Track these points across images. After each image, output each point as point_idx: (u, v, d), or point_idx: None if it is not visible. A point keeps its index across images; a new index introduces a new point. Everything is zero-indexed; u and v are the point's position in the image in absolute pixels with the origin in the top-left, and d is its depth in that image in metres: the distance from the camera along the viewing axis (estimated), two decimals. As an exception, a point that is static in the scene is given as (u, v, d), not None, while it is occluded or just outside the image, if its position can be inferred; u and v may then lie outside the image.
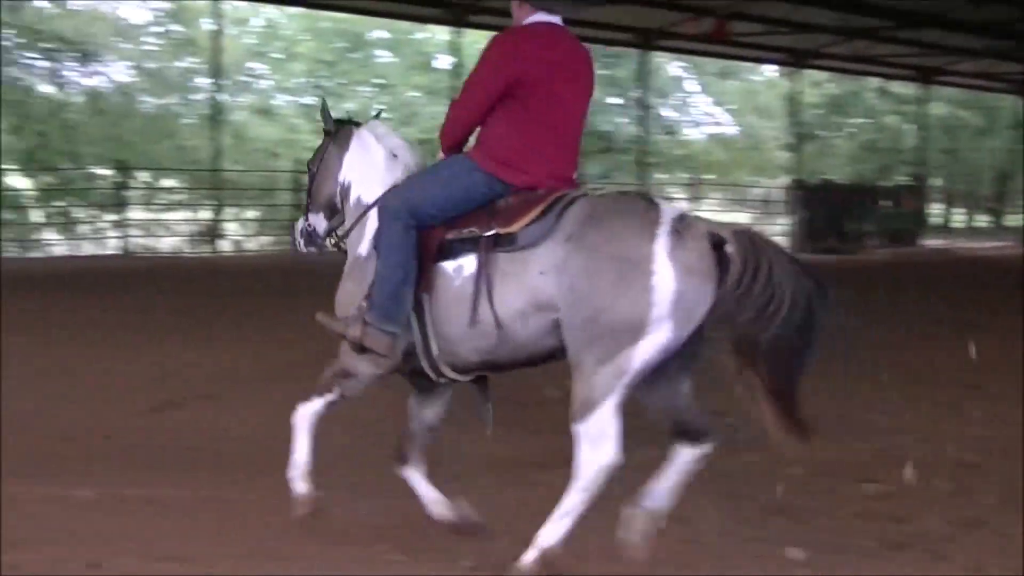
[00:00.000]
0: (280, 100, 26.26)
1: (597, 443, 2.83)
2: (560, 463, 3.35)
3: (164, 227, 20.50)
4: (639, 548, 2.99)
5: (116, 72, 23.38)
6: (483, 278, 3.00)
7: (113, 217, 18.35)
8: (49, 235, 19.21)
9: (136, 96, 23.36)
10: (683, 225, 2.86)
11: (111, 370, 6.24)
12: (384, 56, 27.13)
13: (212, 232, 18.47)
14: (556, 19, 3.20)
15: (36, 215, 19.77)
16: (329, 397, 3.38)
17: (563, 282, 2.87)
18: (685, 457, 2.96)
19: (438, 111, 24.11)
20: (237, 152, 22.74)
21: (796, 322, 2.80)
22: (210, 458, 4.40)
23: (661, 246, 2.81)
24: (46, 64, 21.94)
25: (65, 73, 22.41)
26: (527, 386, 4.64)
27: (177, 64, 23.84)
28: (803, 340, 2.83)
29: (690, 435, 2.96)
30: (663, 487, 2.98)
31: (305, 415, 3.37)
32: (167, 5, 23.40)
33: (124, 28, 23.21)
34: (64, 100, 22.27)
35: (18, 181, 20.36)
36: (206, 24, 21.25)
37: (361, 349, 3.19)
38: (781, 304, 2.78)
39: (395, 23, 23.66)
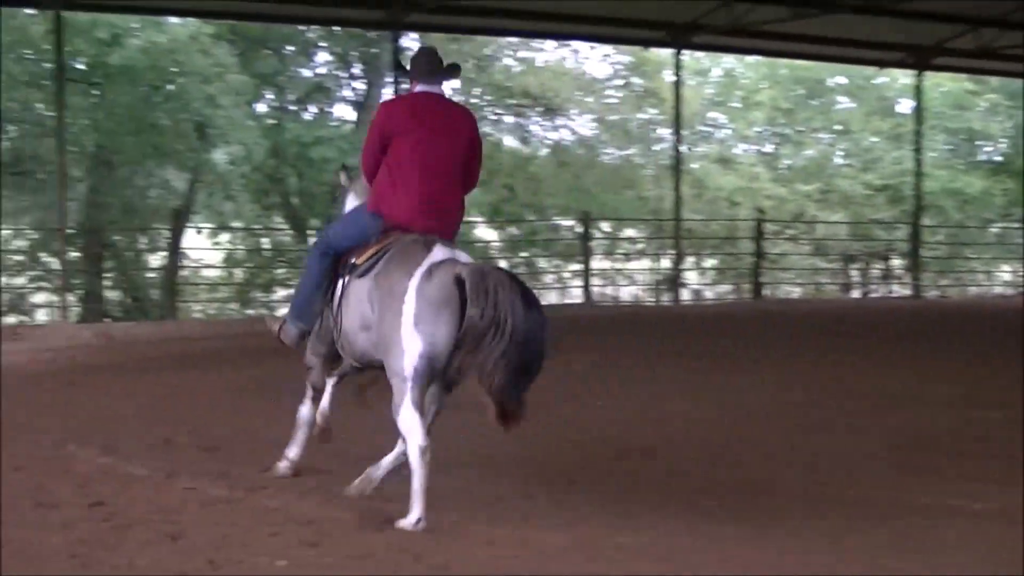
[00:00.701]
0: (739, 149, 33.10)
1: (410, 435, 5.32)
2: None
3: (625, 276, 25.64)
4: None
5: (579, 125, 31.27)
6: (340, 296, 5.78)
7: (576, 267, 24.44)
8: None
9: (598, 148, 30.23)
10: (437, 266, 5.30)
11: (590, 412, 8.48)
12: (844, 102, 33.23)
13: (673, 281, 23.22)
14: (435, 88, 5.96)
15: (502, 266, 26.07)
16: (308, 394, 6.31)
17: (368, 309, 5.53)
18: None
19: (900, 156, 28.22)
20: (697, 201, 28.23)
21: (518, 342, 5.07)
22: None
23: (413, 283, 5.31)
24: (513, 119, 29.13)
25: (531, 128, 29.70)
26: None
27: (638, 116, 29.99)
28: (522, 357, 5.09)
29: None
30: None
31: (300, 414, 6.35)
32: (629, 59, 30.15)
33: (587, 82, 30.29)
34: (529, 154, 30.29)
35: (486, 233, 27.10)
36: (667, 76, 27.99)
37: (280, 342, 6.27)
38: (504, 327, 5.04)
39: (855, 68, 29.67)
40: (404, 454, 5.47)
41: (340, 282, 5.84)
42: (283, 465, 6.32)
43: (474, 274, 5.20)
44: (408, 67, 6.06)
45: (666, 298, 23.53)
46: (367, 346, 5.62)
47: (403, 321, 5.28)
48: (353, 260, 5.75)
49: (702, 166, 31.19)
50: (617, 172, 30.24)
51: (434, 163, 5.73)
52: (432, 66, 6.00)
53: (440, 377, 5.42)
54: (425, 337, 5.24)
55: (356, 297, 5.64)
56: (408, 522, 5.26)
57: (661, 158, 30.12)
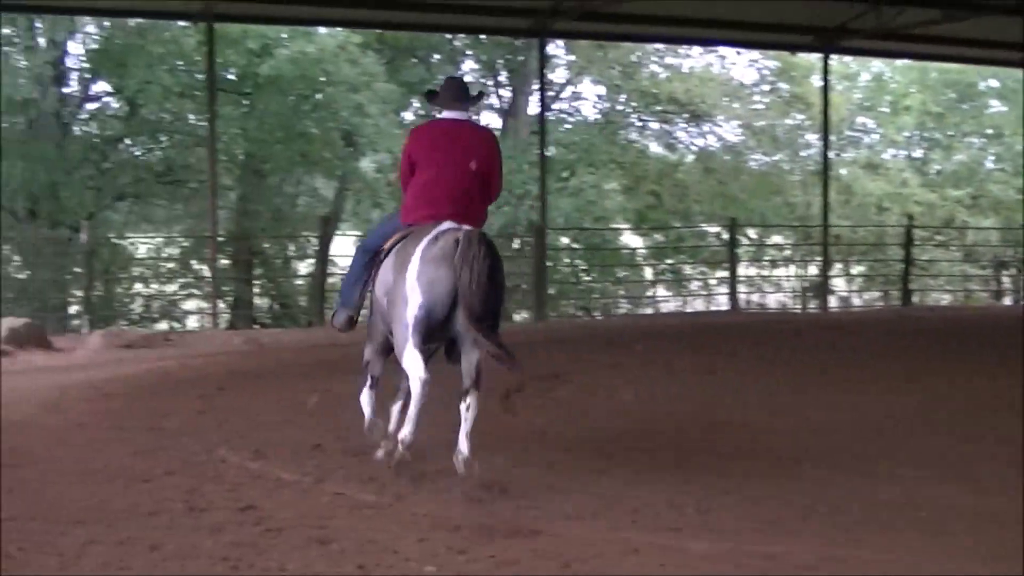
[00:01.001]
0: (888, 154, 32.46)
1: (412, 370, 6.20)
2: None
3: (772, 283, 25.31)
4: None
5: (726, 131, 31.02)
6: (375, 278, 6.86)
7: (722, 274, 24.25)
8: (660, 291, 25.14)
9: (745, 154, 29.84)
10: (442, 233, 6.33)
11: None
12: (996, 105, 32.38)
13: (820, 288, 22.82)
14: (459, 114, 6.95)
15: (647, 272, 25.97)
16: (367, 382, 7.00)
17: (390, 277, 6.55)
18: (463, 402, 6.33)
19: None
20: (844, 207, 27.64)
21: (474, 296, 6.08)
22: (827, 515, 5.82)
23: (420, 247, 6.31)
24: (659, 126, 29.02)
25: (677, 134, 29.54)
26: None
27: (785, 122, 29.53)
28: (472, 310, 6.09)
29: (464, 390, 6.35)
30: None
31: (362, 399, 7.03)
32: (776, 64, 29.68)
33: (733, 88, 29.92)
34: (676, 160, 30.12)
35: (631, 239, 26.99)
36: (814, 81, 27.62)
37: (335, 328, 7.29)
38: (472, 282, 6.08)
39: (1007, 71, 28.67)
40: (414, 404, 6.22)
41: (376, 270, 6.84)
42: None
43: (466, 237, 6.17)
44: (437, 94, 7.05)
45: (813, 305, 23.22)
46: (388, 309, 6.50)
47: (407, 276, 6.25)
48: (384, 247, 6.79)
49: (850, 172, 30.70)
50: (764, 178, 29.95)
51: (451, 182, 6.71)
52: (457, 94, 6.97)
53: (449, 329, 6.29)
54: (424, 289, 6.18)
55: (383, 271, 6.65)
56: (404, 434, 6.26)
57: (808, 164, 29.77)
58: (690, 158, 30.39)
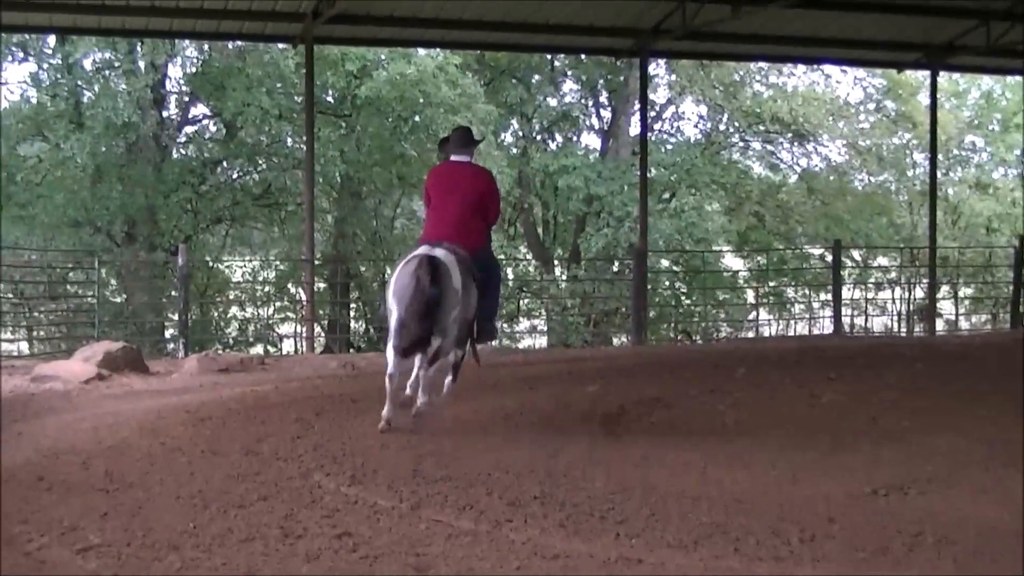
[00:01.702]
0: (998, 173, 31.97)
1: (388, 360, 8.44)
2: None
3: (876, 306, 24.90)
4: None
5: (830, 151, 30.50)
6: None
7: (825, 296, 24.09)
8: (762, 315, 24.84)
9: (850, 174, 29.33)
10: (415, 256, 8.40)
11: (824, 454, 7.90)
12: None
13: (927, 310, 22.38)
14: (462, 157, 9.12)
15: (749, 295, 25.69)
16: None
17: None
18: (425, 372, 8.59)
19: None
20: (952, 228, 27.04)
21: (413, 301, 8.14)
22: (934, 546, 5.58)
23: (399, 267, 8.53)
24: (761, 146, 28.73)
25: (780, 154, 29.28)
26: None
27: (892, 141, 29.05)
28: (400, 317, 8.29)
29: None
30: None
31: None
32: (882, 82, 29.12)
33: (839, 107, 29.51)
34: (779, 181, 29.99)
35: (733, 262, 26.79)
36: (922, 99, 27.35)
37: None
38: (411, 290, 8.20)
39: None
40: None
41: None
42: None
43: (418, 260, 8.29)
44: (447, 142, 9.37)
45: (919, 328, 22.74)
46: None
47: (388, 293, 8.47)
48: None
49: (958, 191, 30.16)
50: (869, 198, 29.57)
51: (451, 212, 8.90)
52: (460, 141, 9.20)
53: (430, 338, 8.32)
54: (396, 305, 8.26)
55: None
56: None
57: (915, 184, 29.34)
58: (793, 178, 30.17)
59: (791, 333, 23.49)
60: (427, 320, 8.23)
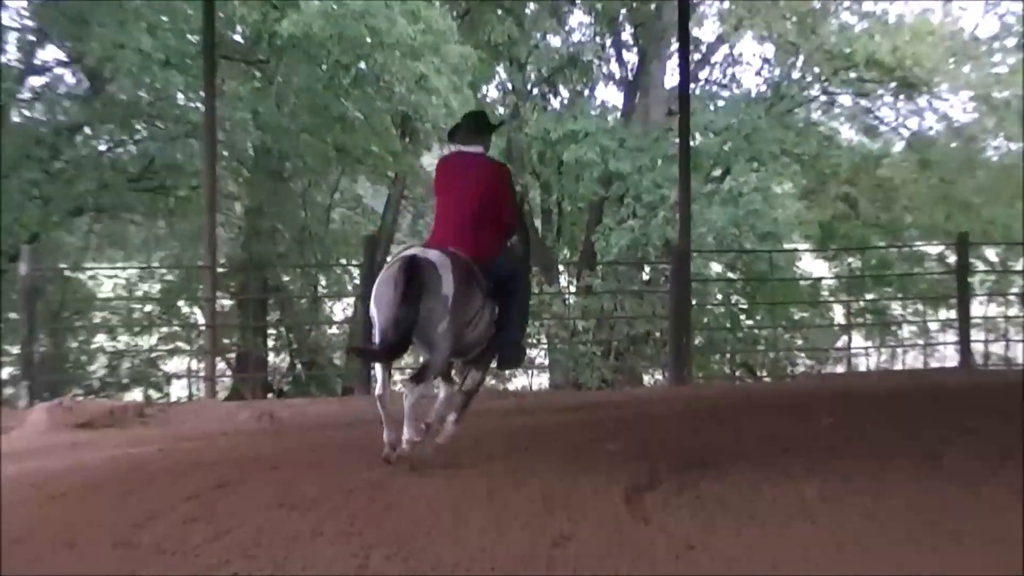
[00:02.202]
0: None
1: (376, 378, 9.86)
2: None
3: (1021, 327, 24.87)
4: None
5: (951, 107, 30.81)
6: None
7: (947, 314, 24.22)
8: (855, 340, 24.87)
9: (980, 140, 29.48)
10: (397, 259, 9.74)
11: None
12: None
13: None
14: (470, 147, 10.48)
15: (837, 313, 25.79)
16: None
17: None
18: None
19: None
20: None
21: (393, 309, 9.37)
22: None
23: (382, 272, 9.75)
24: (853, 101, 28.85)
25: (879, 112, 29.61)
26: None
27: (1039, 93, 29.27)
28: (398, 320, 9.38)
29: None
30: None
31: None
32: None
33: (963, 45, 29.32)
34: (878, 151, 30.33)
35: (814, 266, 26.90)
36: None
37: None
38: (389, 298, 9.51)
39: None
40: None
41: None
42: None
43: (398, 262, 9.52)
44: (455, 130, 10.65)
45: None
46: None
47: (372, 295, 9.64)
48: None
49: None
50: (1009, 174, 29.17)
51: (456, 212, 10.20)
52: (472, 129, 10.50)
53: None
54: (378, 306, 9.49)
55: None
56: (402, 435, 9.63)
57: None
58: (899, 147, 30.28)
59: (899, 366, 23.39)
60: (402, 328, 9.32)
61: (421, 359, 9.98)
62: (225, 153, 23.03)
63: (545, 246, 28.38)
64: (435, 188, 10.65)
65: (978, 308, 23.95)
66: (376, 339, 9.55)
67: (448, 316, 9.54)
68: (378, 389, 9.69)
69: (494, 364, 10.79)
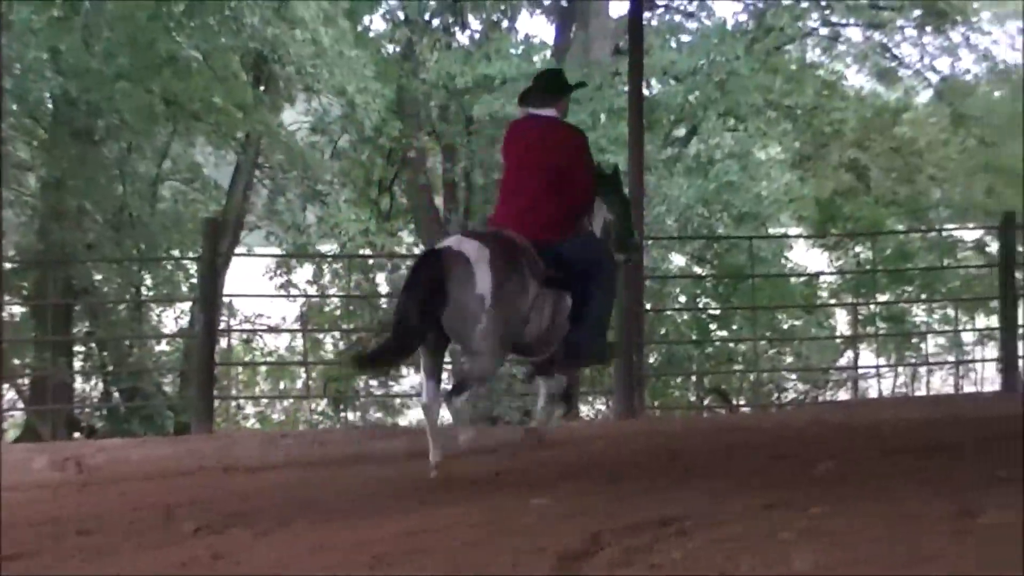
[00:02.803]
0: None
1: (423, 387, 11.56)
2: None
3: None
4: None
5: (996, 45, 31.05)
6: None
7: (988, 321, 24.96)
8: (864, 356, 25.39)
9: (1031, 87, 29.65)
10: (429, 250, 12.19)
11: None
12: None
13: None
14: (544, 110, 11.67)
15: (840, 320, 26.21)
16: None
17: None
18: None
19: None
20: None
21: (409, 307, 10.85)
22: None
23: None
24: (862, 34, 29.63)
25: (897, 49, 30.00)
26: None
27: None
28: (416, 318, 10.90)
29: None
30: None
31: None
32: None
33: (1009, -40, 29.60)
34: (896, 102, 31.02)
35: (809, 257, 27.36)
36: None
37: None
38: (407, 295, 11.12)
39: None
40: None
41: None
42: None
43: (426, 256, 11.26)
44: (527, 93, 11.66)
45: None
46: None
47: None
48: None
49: None
50: (1073, 133, 29.71)
51: (519, 189, 11.27)
52: (544, 88, 11.60)
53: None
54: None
55: None
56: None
57: None
58: (925, 97, 30.81)
59: (922, 392, 23.61)
60: (406, 332, 10.66)
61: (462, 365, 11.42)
62: (14, 107, 22.95)
63: (447, 231, 28.42)
64: (503, 157, 11.82)
65: (1029, 313, 24.23)
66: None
67: (488, 316, 10.54)
68: (424, 398, 10.96)
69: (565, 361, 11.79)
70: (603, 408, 20.26)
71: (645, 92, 20.98)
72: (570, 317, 11.34)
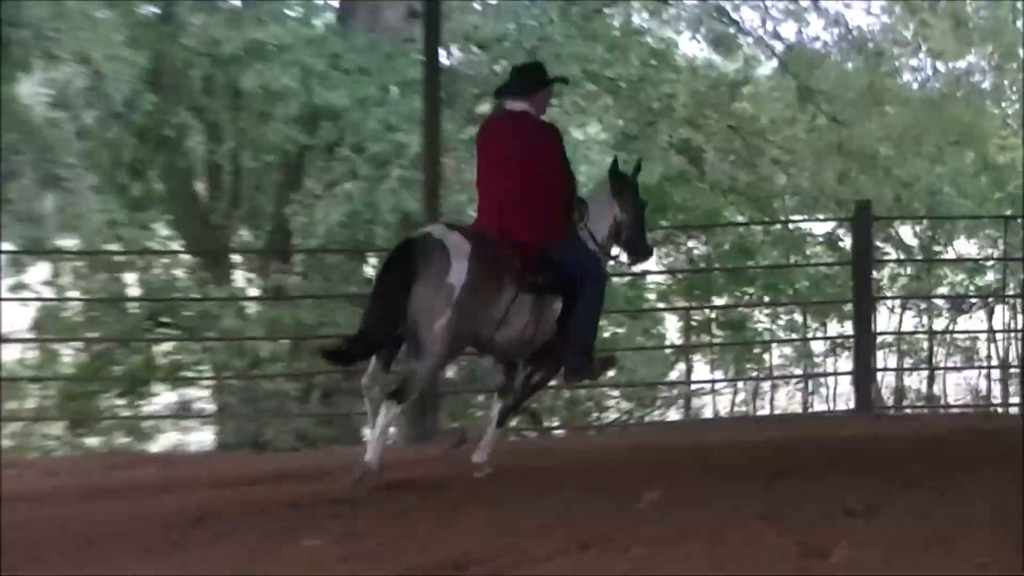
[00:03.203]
0: None
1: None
2: None
3: (962, 349, 25.87)
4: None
5: (849, 8, 31.18)
6: None
7: (841, 327, 25.92)
8: (698, 371, 25.66)
9: (890, 55, 30.34)
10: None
11: None
12: None
13: None
14: (516, 105, 13.01)
15: (670, 330, 26.56)
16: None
17: None
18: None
19: None
20: None
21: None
22: None
23: None
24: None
25: (737, 15, 30.01)
26: None
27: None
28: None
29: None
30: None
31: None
32: None
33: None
34: (735, 73, 31.31)
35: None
36: None
37: None
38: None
39: None
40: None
41: None
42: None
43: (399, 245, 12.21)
44: (504, 88, 12.92)
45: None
46: None
47: None
48: None
49: None
50: (939, 111, 30.26)
51: (492, 194, 12.45)
52: (520, 81, 12.75)
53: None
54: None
55: None
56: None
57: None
58: (768, 68, 31.27)
59: (765, 410, 23.91)
60: (377, 323, 11.72)
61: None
62: None
63: (208, 227, 28.34)
64: (477, 156, 13.01)
65: (886, 319, 24.59)
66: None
67: (450, 311, 11.52)
68: (365, 377, 11.85)
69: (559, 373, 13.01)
70: (392, 431, 20.23)
71: (443, 61, 21.06)
72: (559, 324, 12.28)
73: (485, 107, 27.92)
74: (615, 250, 13.76)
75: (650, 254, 14.50)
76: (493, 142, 12.53)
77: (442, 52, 20.85)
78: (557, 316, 12.27)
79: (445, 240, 11.46)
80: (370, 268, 26.79)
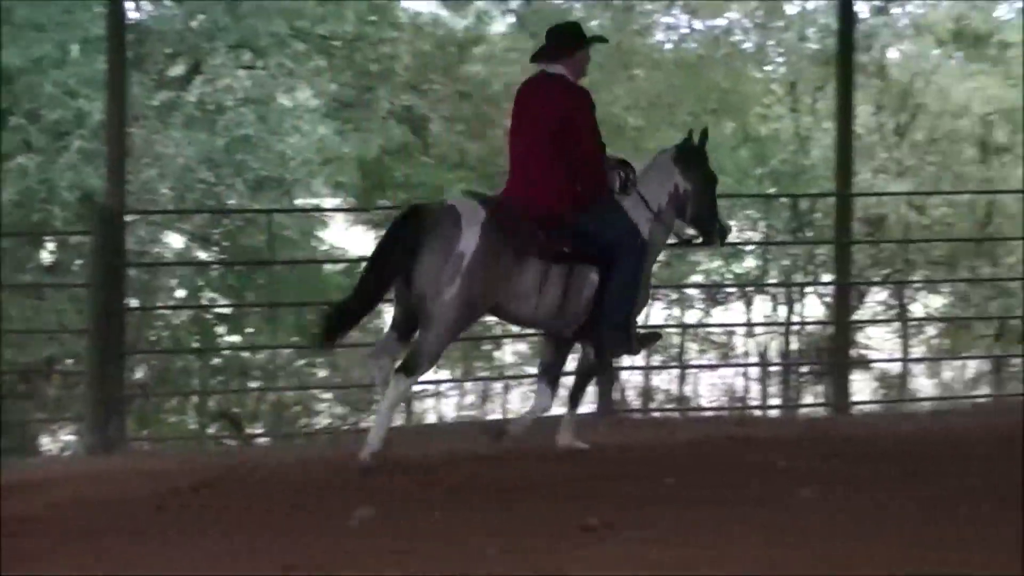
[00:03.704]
0: None
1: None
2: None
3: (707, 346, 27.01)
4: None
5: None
6: None
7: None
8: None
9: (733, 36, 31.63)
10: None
11: None
12: None
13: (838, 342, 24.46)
14: (553, 68, 14.13)
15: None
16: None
17: None
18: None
19: None
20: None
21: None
22: None
23: None
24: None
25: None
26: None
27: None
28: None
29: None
30: None
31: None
32: None
33: None
34: (465, 29, 32.10)
35: (353, 236, 28.55)
36: None
37: None
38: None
39: None
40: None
41: None
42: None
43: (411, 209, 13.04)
44: (536, 53, 13.85)
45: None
46: None
47: None
48: None
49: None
50: (692, 73, 31.87)
51: (519, 150, 13.35)
52: (554, 43, 13.58)
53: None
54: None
55: None
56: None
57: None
58: (503, 24, 32.58)
59: (497, 414, 24.76)
60: (369, 288, 12.70)
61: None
62: None
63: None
64: (511, 120, 13.87)
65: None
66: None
67: (460, 281, 12.39)
68: (376, 346, 13.02)
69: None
70: (69, 439, 20.72)
71: (132, 16, 21.58)
72: (595, 300, 13.18)
73: (179, 69, 28.61)
74: (684, 227, 14.62)
75: (727, 233, 15.04)
76: (522, 106, 13.38)
77: (129, 5, 21.39)
78: (595, 289, 13.12)
79: (458, 207, 12.34)
80: (47, 254, 27.29)
